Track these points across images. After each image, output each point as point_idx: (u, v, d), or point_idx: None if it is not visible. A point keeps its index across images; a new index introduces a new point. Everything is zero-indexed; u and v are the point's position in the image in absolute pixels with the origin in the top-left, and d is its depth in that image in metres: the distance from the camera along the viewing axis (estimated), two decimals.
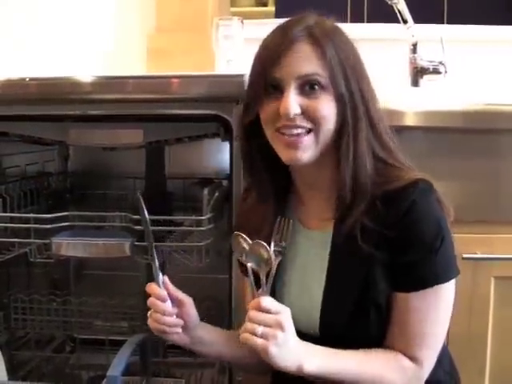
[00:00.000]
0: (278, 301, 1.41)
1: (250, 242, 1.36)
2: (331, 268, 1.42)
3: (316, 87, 1.35)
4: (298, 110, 1.35)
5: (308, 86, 1.35)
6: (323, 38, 1.36)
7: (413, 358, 1.38)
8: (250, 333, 1.28)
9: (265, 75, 1.37)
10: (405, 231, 1.34)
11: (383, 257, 1.36)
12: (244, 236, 1.38)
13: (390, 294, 1.38)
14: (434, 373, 1.43)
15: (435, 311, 1.37)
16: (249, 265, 1.37)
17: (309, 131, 1.37)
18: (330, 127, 1.36)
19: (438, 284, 1.36)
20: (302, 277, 1.48)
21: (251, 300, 1.33)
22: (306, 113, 1.36)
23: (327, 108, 1.35)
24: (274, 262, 1.37)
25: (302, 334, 1.37)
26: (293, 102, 1.35)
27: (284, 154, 1.40)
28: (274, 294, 1.45)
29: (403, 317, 1.38)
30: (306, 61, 1.35)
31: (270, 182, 1.49)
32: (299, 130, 1.37)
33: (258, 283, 1.37)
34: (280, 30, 1.40)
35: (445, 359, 1.51)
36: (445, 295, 1.39)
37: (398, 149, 1.43)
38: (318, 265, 1.44)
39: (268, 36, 1.42)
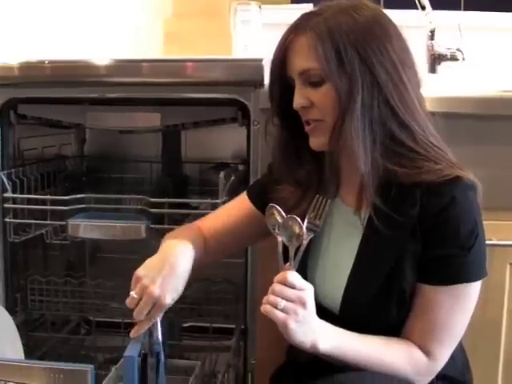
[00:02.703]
0: (308, 273, 1.46)
1: (284, 215, 1.37)
2: (361, 248, 1.43)
3: (317, 80, 1.37)
4: (305, 103, 1.39)
5: (311, 79, 1.38)
6: (319, 30, 1.35)
7: (427, 352, 1.38)
8: (272, 305, 1.29)
9: (283, 72, 1.43)
10: (441, 225, 1.33)
11: (415, 247, 1.35)
12: (279, 208, 1.38)
13: (416, 285, 1.38)
14: (448, 369, 1.43)
15: (458, 309, 1.37)
16: (279, 238, 1.38)
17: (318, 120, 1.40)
18: (334, 114, 1.37)
19: (466, 282, 1.36)
20: (334, 252, 1.49)
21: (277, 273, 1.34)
22: (313, 104, 1.39)
23: (330, 98, 1.36)
24: (305, 239, 1.37)
25: (324, 311, 1.39)
26: (298, 95, 1.40)
27: (309, 141, 1.44)
28: (305, 265, 1.47)
29: (425, 309, 1.38)
30: (303, 56, 1.38)
31: (312, 163, 1.50)
32: (312, 121, 1.42)
33: (286, 257, 1.37)
34: (285, 34, 1.42)
35: (459, 359, 1.50)
36: (470, 294, 1.38)
37: (434, 135, 1.42)
38: (351, 243, 1.44)
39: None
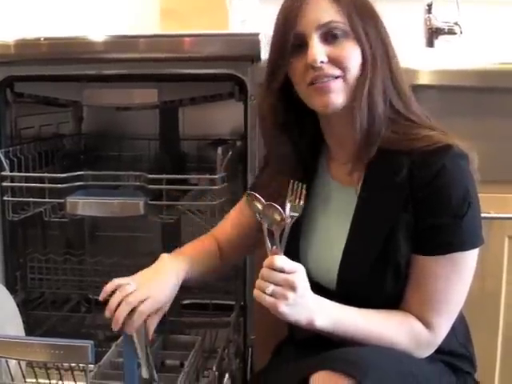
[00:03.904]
0: (303, 251, 1.47)
1: (264, 202, 1.36)
2: (355, 224, 1.43)
3: (338, 35, 1.36)
4: (324, 58, 1.35)
5: (330, 35, 1.36)
6: None
7: (426, 324, 1.38)
8: (261, 290, 1.29)
9: (288, 33, 1.38)
10: (432, 194, 1.33)
11: (408, 218, 1.35)
12: (257, 196, 1.37)
13: (411, 257, 1.38)
14: (448, 342, 1.43)
15: (455, 278, 1.36)
16: (264, 224, 1.37)
17: (336, 77, 1.37)
18: (355, 72, 1.37)
19: (462, 250, 1.35)
20: (327, 229, 1.49)
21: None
22: (332, 61, 1.36)
23: (352, 54, 1.36)
24: (288, 223, 1.36)
25: (320, 288, 1.39)
26: (318, 49, 1.35)
27: (318, 102, 1.39)
28: (297, 245, 1.48)
29: (422, 280, 1.37)
30: (323, 10, 1.36)
31: (299, 144, 1.49)
32: (329, 79, 1.37)
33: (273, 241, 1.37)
34: None
35: (460, 330, 1.50)
36: (467, 263, 1.37)
37: (417, 103, 1.44)
38: (344, 219, 1.44)
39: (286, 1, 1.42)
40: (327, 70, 1.36)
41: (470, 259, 1.37)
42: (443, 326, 1.39)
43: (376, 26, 1.39)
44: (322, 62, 1.35)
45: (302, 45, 1.37)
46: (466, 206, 1.33)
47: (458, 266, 1.36)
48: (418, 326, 1.38)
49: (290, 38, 1.37)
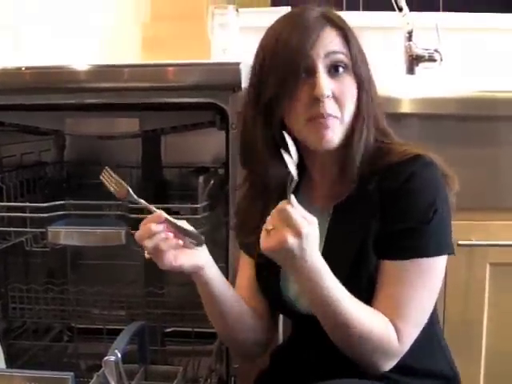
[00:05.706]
0: (283, 283, 1.47)
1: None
2: (327, 243, 1.42)
3: (340, 69, 1.37)
4: (329, 92, 1.35)
5: (333, 68, 1.37)
6: (343, 23, 1.40)
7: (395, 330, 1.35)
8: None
9: (295, 61, 1.35)
10: (399, 200, 1.34)
11: (376, 227, 1.36)
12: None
13: (378, 263, 1.37)
14: (438, 363, 1.43)
15: (420, 284, 1.35)
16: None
17: (334, 117, 1.37)
18: (351, 110, 1.38)
19: (426, 256, 1.35)
20: None
21: None
22: (335, 97, 1.36)
23: (351, 90, 1.38)
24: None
25: (302, 316, 1.39)
26: (326, 82, 1.35)
27: (315, 138, 1.37)
28: (278, 277, 1.48)
29: (387, 285, 1.36)
30: (332, 42, 1.37)
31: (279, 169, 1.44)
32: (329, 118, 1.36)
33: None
34: (295, 22, 1.39)
35: (447, 352, 1.50)
36: (432, 270, 1.36)
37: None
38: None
39: (282, 29, 1.40)
40: (329, 109, 1.35)
41: (435, 266, 1.37)
42: (410, 334, 1.36)
43: (365, 59, 1.42)
44: (327, 96, 1.34)
45: (307, 73, 1.36)
46: (432, 213, 1.34)
47: (423, 273, 1.35)
48: (392, 331, 1.34)
49: (297, 66, 1.35)
